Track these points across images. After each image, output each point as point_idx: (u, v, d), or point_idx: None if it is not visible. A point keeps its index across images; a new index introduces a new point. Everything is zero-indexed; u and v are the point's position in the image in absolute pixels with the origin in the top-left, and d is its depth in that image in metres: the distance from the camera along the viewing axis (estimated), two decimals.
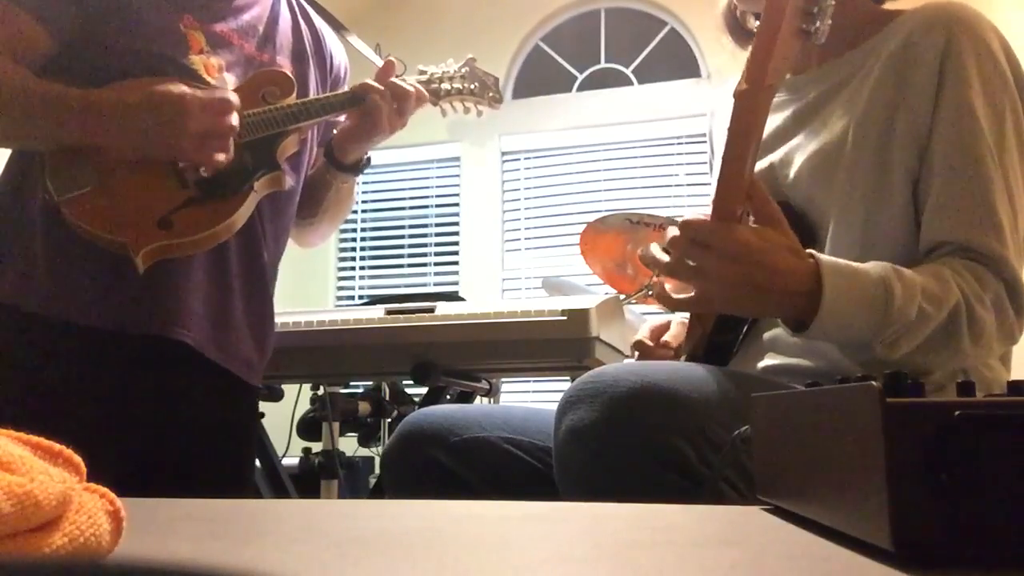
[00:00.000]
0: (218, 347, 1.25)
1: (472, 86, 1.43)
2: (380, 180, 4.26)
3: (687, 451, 0.79)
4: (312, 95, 1.35)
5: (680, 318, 1.15)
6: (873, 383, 0.38)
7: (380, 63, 1.36)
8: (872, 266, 0.85)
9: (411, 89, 1.32)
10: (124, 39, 1.18)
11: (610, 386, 0.81)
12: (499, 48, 4.07)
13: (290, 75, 1.28)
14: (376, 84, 1.30)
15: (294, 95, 1.26)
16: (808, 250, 0.84)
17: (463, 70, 1.43)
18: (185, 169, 1.16)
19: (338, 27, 1.50)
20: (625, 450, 0.79)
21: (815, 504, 0.47)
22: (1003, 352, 0.96)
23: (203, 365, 1.23)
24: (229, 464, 1.34)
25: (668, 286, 0.92)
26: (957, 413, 0.36)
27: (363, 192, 4.26)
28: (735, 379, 0.89)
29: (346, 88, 1.42)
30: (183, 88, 1.11)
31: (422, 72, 1.41)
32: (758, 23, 0.81)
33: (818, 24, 0.79)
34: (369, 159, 1.41)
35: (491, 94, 1.46)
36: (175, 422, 1.23)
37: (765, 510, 0.57)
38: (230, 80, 1.24)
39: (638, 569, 0.39)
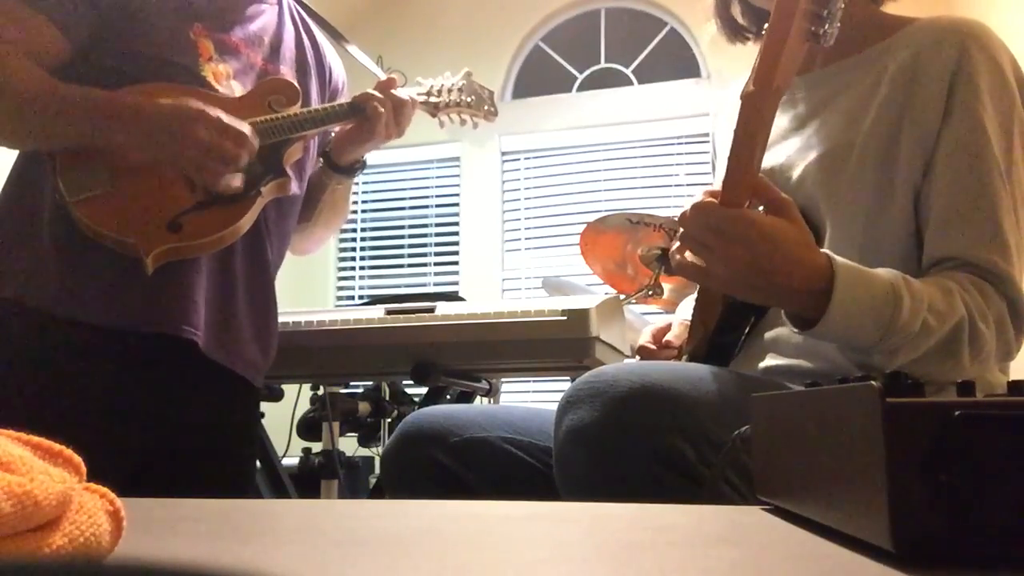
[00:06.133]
0: (223, 348, 1.26)
1: (469, 99, 1.48)
2: (380, 180, 4.26)
3: (687, 451, 0.79)
4: (313, 104, 1.39)
5: (681, 318, 1.15)
6: (873, 383, 0.38)
7: (380, 73, 1.40)
8: (883, 273, 0.84)
9: (408, 99, 1.36)
10: (136, 44, 1.20)
11: (610, 386, 0.81)
12: (499, 48, 4.07)
13: (295, 84, 1.31)
14: (377, 93, 1.33)
15: (299, 103, 1.30)
16: (823, 250, 0.84)
17: (460, 83, 1.48)
18: None
19: (338, 37, 1.53)
20: (625, 450, 0.79)
21: (815, 504, 0.47)
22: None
23: (208, 365, 1.24)
24: (232, 465, 1.35)
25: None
26: (957, 413, 0.36)
27: (363, 192, 4.26)
28: (735, 379, 0.89)
29: (343, 99, 1.45)
30: (206, 106, 1.14)
31: (420, 84, 1.45)
32: (766, 25, 0.80)
33: (827, 27, 0.78)
34: (364, 162, 1.44)
35: (487, 107, 1.51)
36: (179, 422, 1.24)
37: (765, 510, 0.57)
38: (236, 88, 1.27)
39: (638, 569, 0.39)
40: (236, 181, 1.19)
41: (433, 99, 1.44)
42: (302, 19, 1.46)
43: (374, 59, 1.50)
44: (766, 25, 0.80)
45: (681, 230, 0.85)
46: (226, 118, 1.14)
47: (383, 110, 1.32)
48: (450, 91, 1.46)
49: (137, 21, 1.21)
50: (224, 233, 1.19)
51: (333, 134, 1.42)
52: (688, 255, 0.86)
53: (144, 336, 1.18)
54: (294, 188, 1.32)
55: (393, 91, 1.35)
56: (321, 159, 1.42)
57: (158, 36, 1.21)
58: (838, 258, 0.83)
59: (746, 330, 1.04)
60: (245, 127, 1.17)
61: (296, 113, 1.28)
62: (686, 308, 1.25)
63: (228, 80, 1.26)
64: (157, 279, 1.14)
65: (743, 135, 0.81)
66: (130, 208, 1.14)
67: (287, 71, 1.36)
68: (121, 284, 1.17)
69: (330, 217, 1.50)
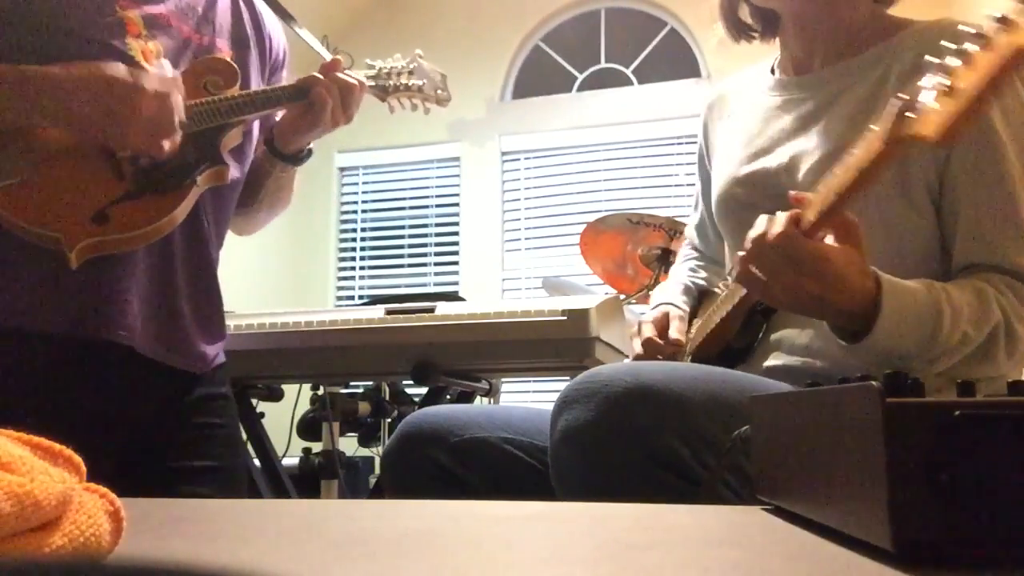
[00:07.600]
0: (166, 347, 1.19)
1: (420, 83, 1.39)
2: (380, 180, 4.27)
3: (682, 451, 0.79)
4: (253, 80, 1.30)
5: (678, 312, 1.14)
6: (873, 383, 0.38)
7: (326, 54, 1.31)
8: (925, 291, 0.85)
9: (355, 82, 1.27)
10: (57, 20, 1.10)
11: (605, 386, 0.81)
12: (499, 48, 4.08)
13: (233, 63, 1.22)
14: (323, 77, 1.24)
15: (237, 85, 1.21)
16: (872, 268, 0.84)
17: (411, 66, 1.39)
18: (123, 160, 1.10)
19: (284, 16, 1.43)
20: (620, 450, 0.79)
21: (815, 504, 0.47)
22: None
23: (152, 364, 1.17)
24: (207, 452, 1.26)
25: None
26: (957, 413, 0.36)
27: (363, 192, 4.26)
28: (730, 379, 0.89)
29: (286, 72, 1.38)
30: (133, 71, 1.05)
31: (370, 67, 1.37)
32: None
33: None
34: (311, 150, 1.36)
35: (439, 91, 1.41)
36: (127, 423, 1.17)
37: (765, 510, 0.57)
38: (168, 68, 1.17)
39: (638, 569, 0.39)
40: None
41: (381, 82, 1.35)
42: None
43: (373, 56, 1.44)
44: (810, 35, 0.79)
45: (750, 246, 0.85)
46: (155, 79, 1.05)
47: (329, 98, 1.23)
48: (399, 74, 1.37)
49: None
50: (156, 226, 1.10)
51: (277, 119, 1.33)
52: (754, 268, 0.86)
53: (82, 340, 1.10)
54: (234, 173, 1.24)
55: (340, 74, 1.26)
56: (265, 146, 1.32)
57: (80, 11, 1.11)
58: (884, 277, 0.84)
59: (759, 336, 1.04)
60: (170, 73, 1.07)
61: (234, 96, 1.18)
62: (661, 294, 1.24)
63: (159, 59, 1.16)
64: (87, 278, 1.07)
65: (868, 173, 0.77)
66: (52, 198, 1.05)
67: (223, 43, 1.27)
68: (53, 288, 1.08)
69: (274, 202, 1.41)
